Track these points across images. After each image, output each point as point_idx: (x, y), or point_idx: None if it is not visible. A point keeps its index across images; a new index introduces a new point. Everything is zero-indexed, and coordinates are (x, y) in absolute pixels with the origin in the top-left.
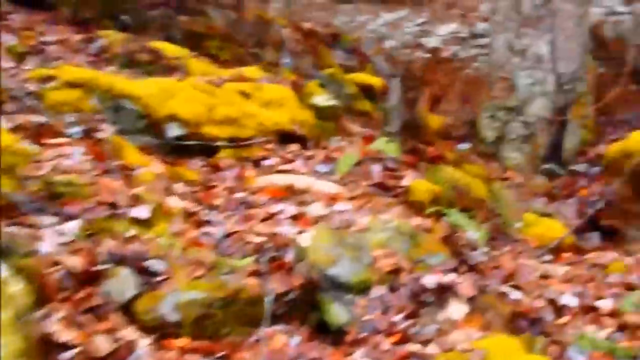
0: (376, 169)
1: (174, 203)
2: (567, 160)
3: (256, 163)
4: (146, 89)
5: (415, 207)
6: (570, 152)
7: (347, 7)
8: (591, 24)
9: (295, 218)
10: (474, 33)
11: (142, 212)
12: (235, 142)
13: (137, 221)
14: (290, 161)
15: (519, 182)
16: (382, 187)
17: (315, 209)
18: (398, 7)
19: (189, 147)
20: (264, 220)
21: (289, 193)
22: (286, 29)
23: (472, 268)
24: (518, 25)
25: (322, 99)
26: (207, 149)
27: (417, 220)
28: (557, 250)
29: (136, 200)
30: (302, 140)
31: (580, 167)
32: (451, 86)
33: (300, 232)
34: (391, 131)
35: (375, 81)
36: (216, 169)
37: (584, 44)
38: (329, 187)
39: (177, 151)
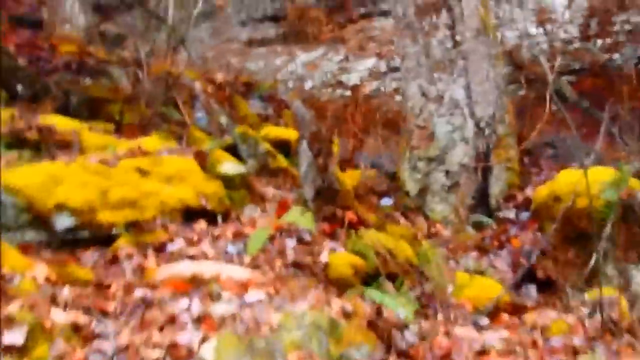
0: (290, 244)
1: (58, 317)
2: (495, 207)
3: (159, 248)
4: (29, 178)
5: (338, 285)
6: (497, 198)
7: (262, 51)
8: (507, 49)
9: (199, 320)
10: (393, 66)
11: (16, 337)
12: (134, 227)
13: (10, 349)
14: (197, 242)
15: (447, 237)
16: (298, 266)
17: (223, 305)
18: (314, 46)
19: (82, 238)
20: (164, 325)
21: (194, 284)
22: (197, 82)
23: (402, 354)
24: (430, 71)
25: (231, 167)
26: (103, 238)
27: (337, 304)
28: (494, 312)
29: (10, 322)
30: (210, 216)
31: (509, 213)
32: (371, 128)
33: (204, 339)
34: (306, 198)
35: (291, 134)
36: (113, 261)
37: (500, 85)
38: (239, 272)
39: (68, 245)
